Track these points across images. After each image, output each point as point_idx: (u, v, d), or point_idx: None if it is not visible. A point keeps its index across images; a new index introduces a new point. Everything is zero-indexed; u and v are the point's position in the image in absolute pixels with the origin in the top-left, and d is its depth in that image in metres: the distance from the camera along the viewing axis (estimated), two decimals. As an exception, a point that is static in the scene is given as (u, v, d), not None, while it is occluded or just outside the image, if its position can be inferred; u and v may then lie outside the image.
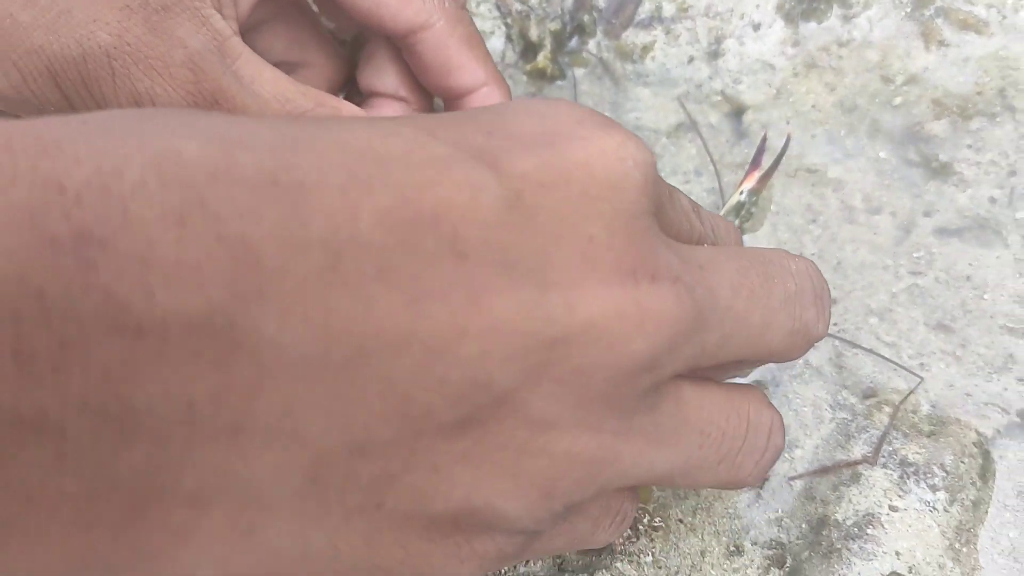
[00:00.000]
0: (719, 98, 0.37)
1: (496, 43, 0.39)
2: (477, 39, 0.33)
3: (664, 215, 0.21)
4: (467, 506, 0.18)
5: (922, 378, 0.31)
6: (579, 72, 0.38)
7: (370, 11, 0.30)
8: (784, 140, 0.31)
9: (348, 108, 0.29)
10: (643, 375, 0.18)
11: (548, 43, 0.38)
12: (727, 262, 0.21)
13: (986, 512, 0.29)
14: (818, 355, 0.32)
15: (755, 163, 0.33)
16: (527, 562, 0.28)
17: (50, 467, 0.13)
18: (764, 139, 0.32)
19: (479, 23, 0.35)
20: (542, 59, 0.38)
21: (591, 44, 0.38)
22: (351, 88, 0.36)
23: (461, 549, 0.19)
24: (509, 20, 0.39)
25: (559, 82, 0.38)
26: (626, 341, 0.18)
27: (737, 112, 0.37)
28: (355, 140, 0.17)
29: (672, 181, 0.36)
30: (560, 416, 0.18)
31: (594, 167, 0.19)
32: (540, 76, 0.38)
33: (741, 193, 0.33)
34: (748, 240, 0.34)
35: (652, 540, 0.28)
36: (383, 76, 0.34)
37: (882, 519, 0.28)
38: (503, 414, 0.17)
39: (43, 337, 0.13)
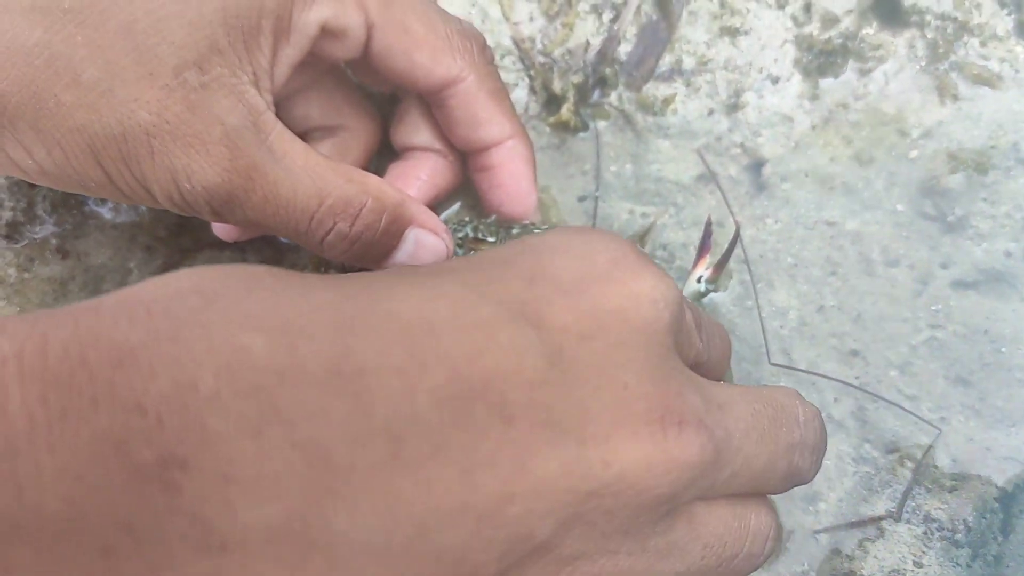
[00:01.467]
0: (738, 150, 0.38)
1: (519, 95, 0.40)
2: (504, 94, 0.34)
3: (678, 342, 0.23)
4: None
5: (940, 430, 0.31)
6: (601, 124, 0.39)
7: (404, 71, 0.31)
8: (735, 231, 0.32)
9: (374, 181, 0.30)
10: (660, 508, 0.20)
11: (571, 95, 0.39)
12: (743, 404, 0.23)
13: (1007, 566, 0.29)
14: (841, 409, 0.32)
15: (703, 248, 0.33)
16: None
17: None
18: (708, 223, 0.32)
19: (502, 75, 0.35)
20: (565, 111, 0.38)
21: (613, 96, 0.39)
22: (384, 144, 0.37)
23: None
24: (532, 72, 0.40)
25: (582, 134, 0.39)
26: (652, 487, 0.20)
27: (756, 164, 0.38)
28: (405, 310, 0.18)
29: (692, 232, 0.37)
30: (584, 551, 0.20)
31: (628, 313, 0.21)
32: (563, 128, 0.39)
33: (699, 281, 0.33)
34: (765, 294, 0.35)
35: (681, 594, 0.29)
36: (418, 132, 0.35)
37: (907, 574, 0.28)
38: (538, 556, 0.19)
39: (133, 567, 0.13)
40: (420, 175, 0.35)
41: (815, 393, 0.32)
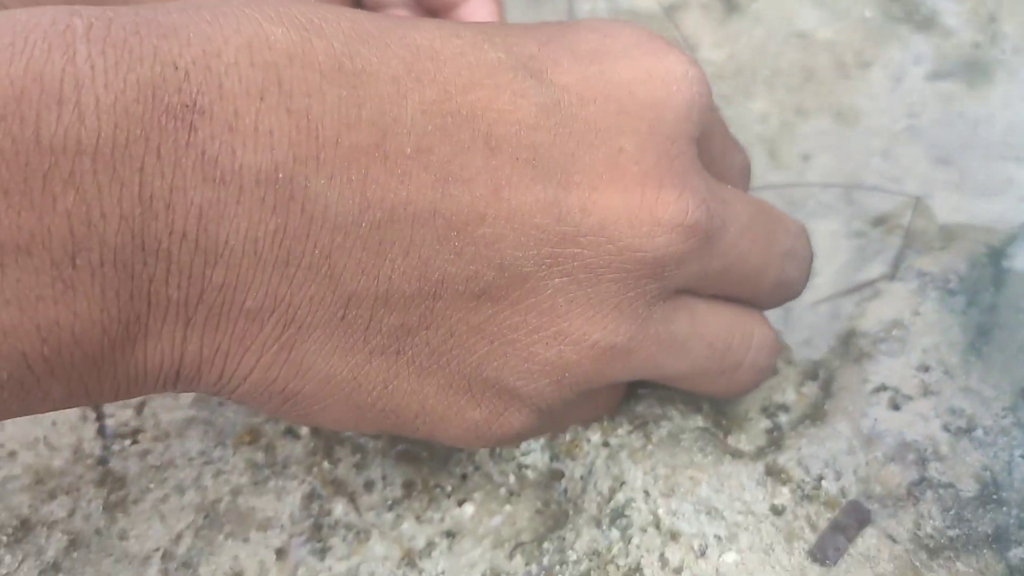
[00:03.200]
0: (708, -21, 0.39)
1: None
2: None
3: (706, 145, 0.23)
4: (479, 374, 0.20)
5: (918, 197, 0.32)
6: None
7: None
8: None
9: None
10: (648, 282, 0.20)
11: (539, -57, 0.39)
12: (744, 206, 0.23)
13: (1002, 315, 0.30)
14: (829, 194, 0.33)
15: None
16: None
17: (162, 280, 0.17)
18: None
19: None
20: (535, -42, 0.39)
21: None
22: None
23: (480, 427, 0.22)
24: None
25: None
26: (634, 246, 0.20)
27: (726, -10, 0.38)
28: (420, 37, 0.19)
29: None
30: (572, 310, 0.20)
31: (636, 88, 0.20)
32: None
33: None
34: (743, 104, 0.36)
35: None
36: None
37: (906, 322, 0.29)
38: (517, 297, 0.19)
39: (159, 183, 0.16)
40: None
41: (801, 188, 0.33)
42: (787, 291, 0.26)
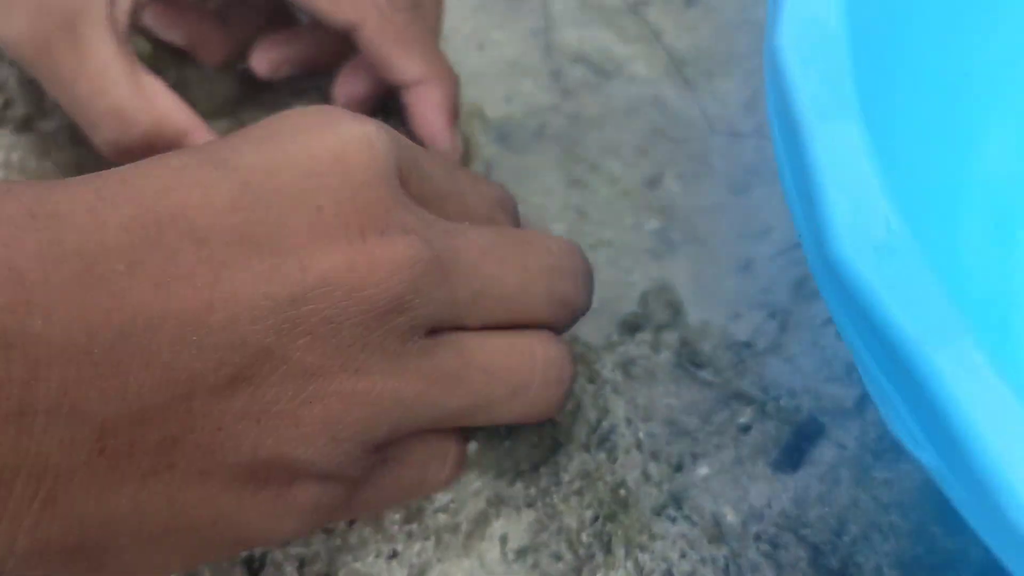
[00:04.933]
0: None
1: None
2: (412, 34, 0.32)
3: (418, 186, 0.23)
4: (258, 457, 0.20)
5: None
6: (544, -29, 0.44)
7: (312, 13, 0.32)
8: None
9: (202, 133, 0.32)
10: (392, 317, 0.21)
11: (514, -50, 0.43)
12: (477, 233, 0.23)
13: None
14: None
15: None
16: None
17: None
18: None
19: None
20: (510, -37, 0.43)
21: (551, -53, 0.44)
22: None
23: (275, 503, 0.21)
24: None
25: (528, -18, 0.43)
26: (362, 288, 0.20)
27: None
28: (100, 174, 0.20)
29: (636, 45, 0.42)
30: (322, 364, 0.20)
31: (315, 150, 0.21)
32: (511, -21, 0.43)
33: None
34: (706, 84, 0.40)
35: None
36: (357, 85, 0.36)
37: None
38: (268, 371, 0.19)
39: None
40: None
41: (768, 146, 0.37)
42: (567, 308, 0.25)
